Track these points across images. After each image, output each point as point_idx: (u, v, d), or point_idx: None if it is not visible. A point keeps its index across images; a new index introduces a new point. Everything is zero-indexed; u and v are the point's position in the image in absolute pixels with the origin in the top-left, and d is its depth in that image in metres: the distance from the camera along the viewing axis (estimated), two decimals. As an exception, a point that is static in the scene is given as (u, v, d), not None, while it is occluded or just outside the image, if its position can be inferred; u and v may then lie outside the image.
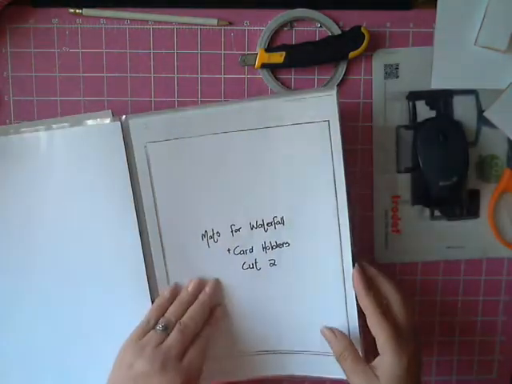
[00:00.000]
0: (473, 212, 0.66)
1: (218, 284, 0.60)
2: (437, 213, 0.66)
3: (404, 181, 0.65)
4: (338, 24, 0.62)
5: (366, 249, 0.65)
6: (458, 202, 0.65)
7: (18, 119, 0.63)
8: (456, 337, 0.68)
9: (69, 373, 0.61)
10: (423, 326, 0.67)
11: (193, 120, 0.58)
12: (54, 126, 0.59)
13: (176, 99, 0.63)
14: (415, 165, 0.63)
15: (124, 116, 0.58)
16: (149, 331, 0.55)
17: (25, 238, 0.59)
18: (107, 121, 0.58)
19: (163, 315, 0.57)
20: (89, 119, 0.59)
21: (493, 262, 0.67)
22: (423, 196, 0.64)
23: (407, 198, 0.65)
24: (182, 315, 0.57)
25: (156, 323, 0.56)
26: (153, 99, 0.63)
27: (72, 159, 0.58)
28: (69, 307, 0.60)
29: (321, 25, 0.62)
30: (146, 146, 0.58)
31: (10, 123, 0.63)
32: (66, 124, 0.59)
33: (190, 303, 0.58)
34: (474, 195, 0.65)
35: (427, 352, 0.68)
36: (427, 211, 0.65)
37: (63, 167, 0.59)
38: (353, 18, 0.62)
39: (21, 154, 0.59)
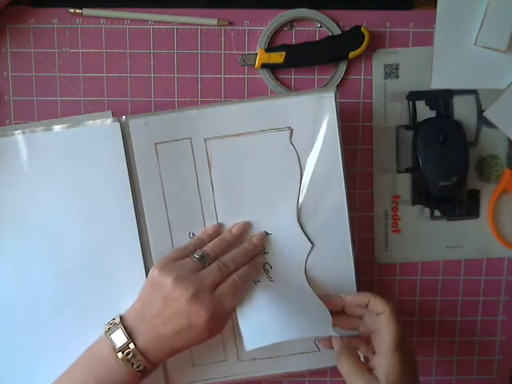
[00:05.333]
0: (473, 212, 0.66)
1: (265, 237, 0.59)
2: (437, 213, 0.65)
3: (404, 181, 0.65)
4: (338, 24, 0.62)
5: (366, 249, 0.65)
6: (458, 202, 0.65)
7: (18, 119, 0.63)
8: (456, 337, 0.68)
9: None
10: (423, 326, 0.67)
11: (193, 120, 0.58)
12: (54, 126, 0.59)
13: (176, 99, 0.63)
14: (415, 165, 0.63)
15: (124, 116, 0.58)
16: (185, 257, 0.55)
17: (23, 237, 0.59)
18: (107, 121, 0.58)
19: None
20: (89, 120, 0.59)
21: (493, 261, 0.66)
22: (423, 196, 0.64)
23: (407, 197, 0.65)
24: (222, 253, 0.56)
25: (193, 252, 0.56)
26: (153, 99, 0.63)
27: (72, 159, 0.59)
28: (67, 306, 0.60)
29: (321, 25, 0.62)
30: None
31: (10, 123, 0.63)
32: (66, 125, 0.59)
33: (232, 245, 0.58)
34: (474, 195, 0.65)
35: (427, 352, 0.68)
36: (427, 211, 0.65)
37: (63, 167, 0.59)
38: (353, 17, 0.62)
39: (21, 155, 0.59)
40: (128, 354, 0.52)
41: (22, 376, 0.61)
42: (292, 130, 0.58)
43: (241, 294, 0.56)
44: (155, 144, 0.58)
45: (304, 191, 0.59)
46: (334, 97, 0.58)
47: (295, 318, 0.56)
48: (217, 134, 0.58)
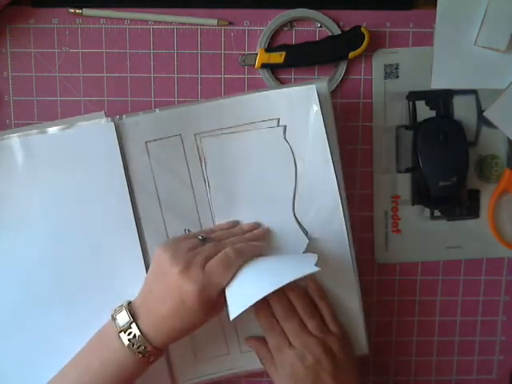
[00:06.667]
0: (473, 212, 0.66)
1: (267, 231, 0.60)
2: (437, 213, 0.66)
3: (404, 181, 0.65)
4: (338, 24, 0.62)
5: (366, 249, 0.65)
6: (458, 202, 0.65)
7: (18, 119, 0.63)
8: (456, 337, 0.68)
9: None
10: (423, 326, 0.67)
11: (182, 117, 0.58)
12: (48, 129, 0.58)
13: (176, 99, 0.63)
14: (415, 165, 0.63)
15: (117, 116, 0.58)
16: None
17: (21, 239, 0.59)
18: (101, 122, 0.58)
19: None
20: (82, 121, 0.58)
21: (493, 261, 0.66)
22: (423, 196, 0.64)
23: (407, 197, 0.65)
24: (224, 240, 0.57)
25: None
26: (153, 99, 0.63)
27: (68, 161, 0.58)
28: (63, 306, 0.60)
29: (321, 25, 0.62)
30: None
31: (10, 123, 0.63)
32: (60, 127, 0.58)
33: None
34: (474, 195, 0.65)
35: (427, 352, 0.68)
36: (427, 211, 0.65)
37: (60, 169, 0.58)
38: (353, 17, 0.62)
39: (17, 158, 0.58)
40: (130, 334, 0.53)
41: (24, 375, 0.61)
42: (285, 126, 0.58)
43: (235, 269, 0.54)
44: (146, 142, 0.58)
45: (299, 185, 0.59)
46: (315, 87, 0.58)
47: (275, 268, 0.55)
48: (206, 128, 0.59)
